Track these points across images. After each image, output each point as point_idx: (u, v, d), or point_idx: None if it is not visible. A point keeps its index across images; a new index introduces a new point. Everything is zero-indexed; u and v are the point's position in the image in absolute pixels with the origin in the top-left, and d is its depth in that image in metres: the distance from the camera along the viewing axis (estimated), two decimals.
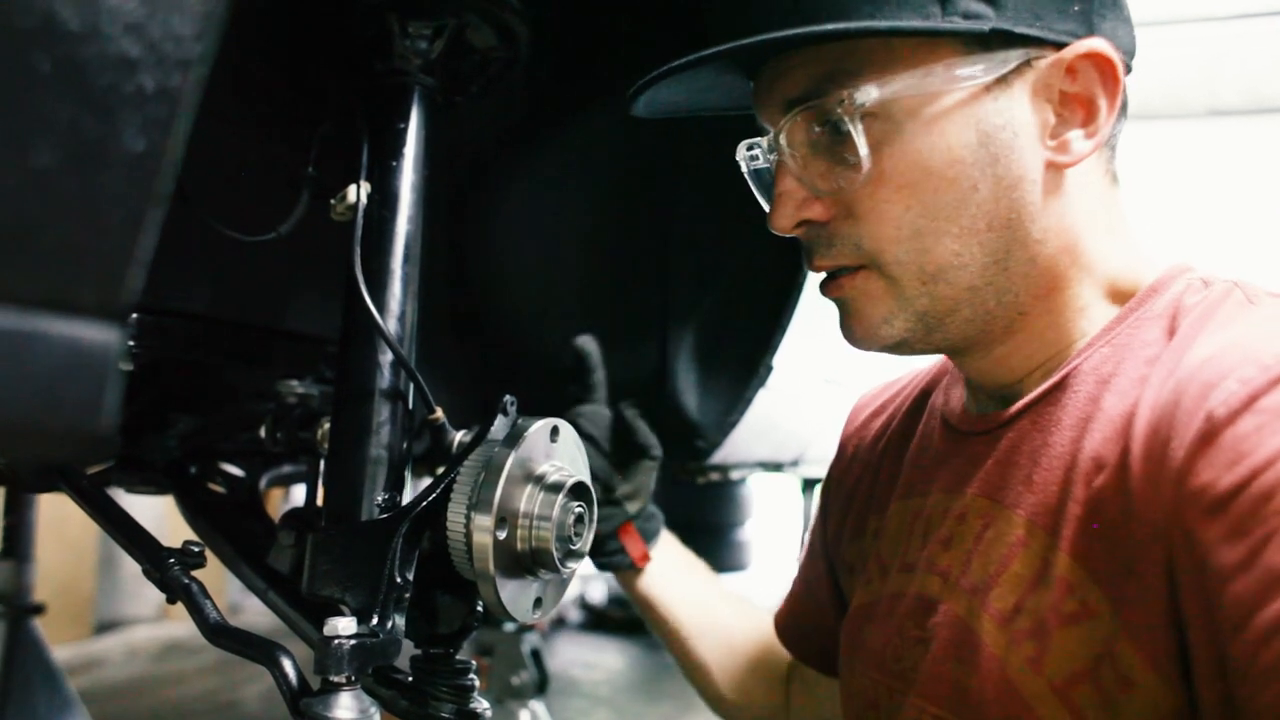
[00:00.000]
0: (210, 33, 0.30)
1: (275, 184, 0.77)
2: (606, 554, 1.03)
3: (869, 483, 0.89)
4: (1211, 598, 0.51)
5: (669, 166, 1.16)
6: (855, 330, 0.71)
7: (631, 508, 1.02)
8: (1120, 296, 0.69)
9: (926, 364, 0.92)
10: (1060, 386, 0.67)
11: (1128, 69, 0.67)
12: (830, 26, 0.60)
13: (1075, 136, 0.64)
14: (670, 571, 1.06)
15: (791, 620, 1.02)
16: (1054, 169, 0.65)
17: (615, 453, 1.03)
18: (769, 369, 1.22)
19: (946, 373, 0.86)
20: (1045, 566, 0.61)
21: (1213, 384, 0.54)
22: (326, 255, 0.75)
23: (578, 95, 1.09)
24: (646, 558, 1.03)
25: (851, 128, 0.63)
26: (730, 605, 1.08)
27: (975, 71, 0.62)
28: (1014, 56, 0.62)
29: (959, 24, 0.60)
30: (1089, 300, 0.68)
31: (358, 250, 0.68)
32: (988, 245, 0.65)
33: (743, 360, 1.22)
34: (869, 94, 0.62)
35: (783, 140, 0.67)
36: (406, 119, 0.72)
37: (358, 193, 0.69)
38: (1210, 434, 0.52)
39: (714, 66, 0.68)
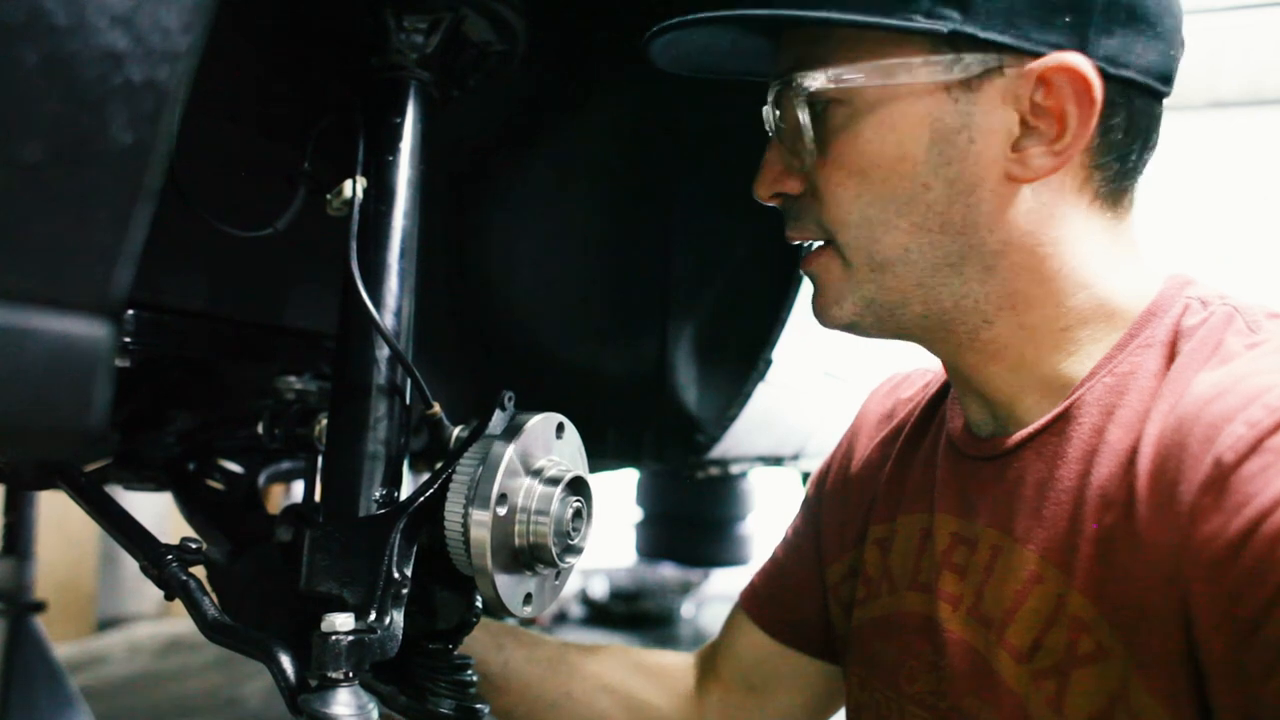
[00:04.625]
0: (198, 25, 0.30)
1: (271, 179, 0.77)
2: None
3: (873, 486, 0.88)
4: (1238, 644, 0.50)
5: (670, 161, 1.16)
6: (814, 306, 0.73)
7: None
8: (1121, 319, 0.67)
9: (939, 363, 0.91)
10: (1065, 417, 0.66)
11: (1149, 89, 0.63)
12: (771, 13, 0.64)
13: (1037, 152, 0.61)
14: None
15: (769, 595, 0.97)
16: (1013, 181, 0.63)
17: None
18: (768, 363, 1.22)
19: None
20: (1060, 604, 0.61)
21: (1219, 426, 0.53)
22: (323, 251, 0.75)
23: (578, 90, 1.08)
24: None
25: (799, 112, 0.65)
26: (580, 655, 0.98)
27: (934, 71, 0.61)
28: (980, 62, 0.60)
29: (917, 22, 0.59)
30: (1071, 323, 0.66)
31: (354, 245, 0.67)
32: (939, 246, 0.64)
33: (742, 354, 1.22)
34: (815, 80, 0.64)
35: (771, 112, 0.69)
36: (403, 114, 0.71)
37: (354, 188, 0.69)
38: (1218, 479, 0.52)
39: (737, 28, 0.70)
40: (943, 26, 0.59)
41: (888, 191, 0.64)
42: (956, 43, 0.60)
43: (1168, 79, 0.64)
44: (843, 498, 0.92)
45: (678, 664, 1.03)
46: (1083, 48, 0.60)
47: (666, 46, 0.70)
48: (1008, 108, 0.61)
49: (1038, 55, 0.60)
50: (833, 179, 0.65)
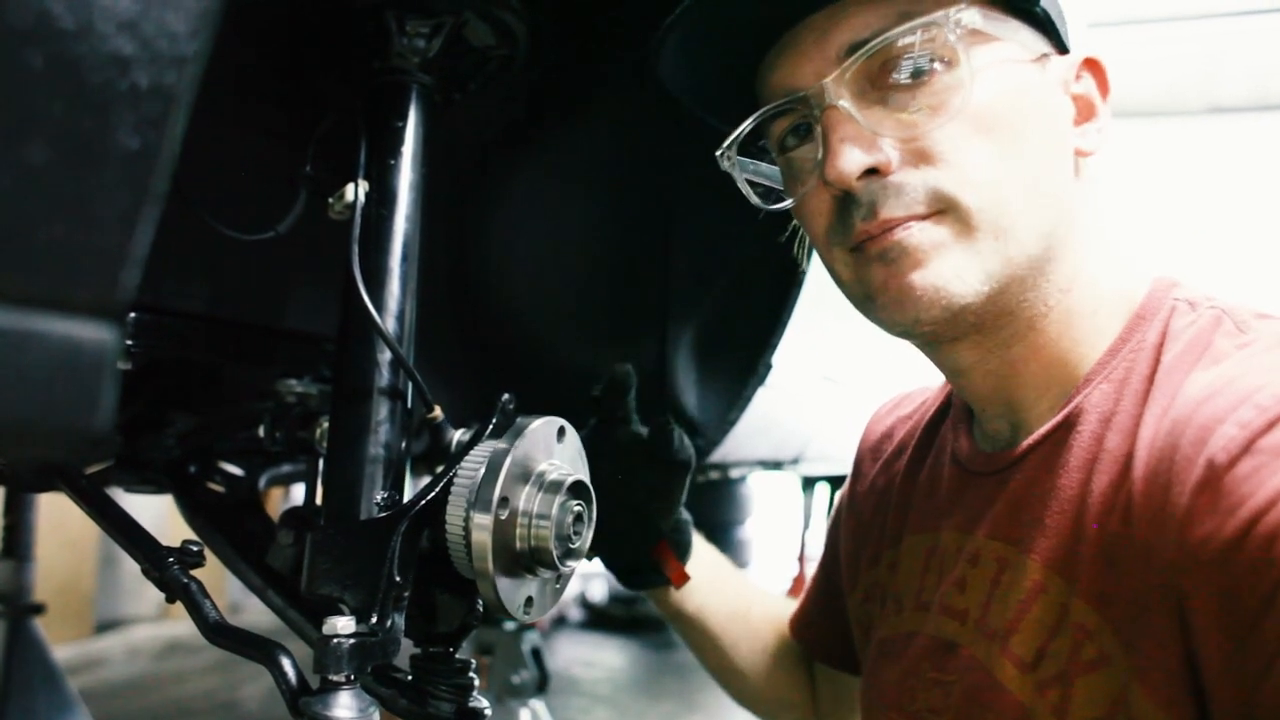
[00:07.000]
0: (205, 30, 0.30)
1: (273, 183, 0.77)
2: (640, 576, 0.99)
3: (882, 511, 0.88)
4: (1235, 644, 0.50)
5: (670, 165, 1.16)
6: (916, 286, 0.63)
7: (664, 525, 0.97)
8: (1115, 314, 0.68)
9: (936, 381, 0.91)
10: (1065, 426, 0.66)
11: None
12: None
13: (1090, 129, 0.67)
14: (703, 584, 1.01)
15: (811, 623, 1.03)
16: (1080, 156, 0.67)
17: (646, 469, 0.96)
18: (768, 367, 1.22)
19: (954, 403, 0.84)
20: (1064, 612, 0.61)
21: (1210, 428, 0.53)
22: (325, 254, 0.75)
23: (580, 93, 1.08)
24: (684, 577, 0.97)
25: (958, 48, 0.60)
26: (760, 606, 1.07)
27: (1028, 40, 0.65)
28: (1046, 45, 0.66)
29: None
30: (1094, 309, 0.67)
31: (356, 249, 0.67)
32: (1044, 211, 0.64)
33: (742, 358, 1.22)
34: (971, 18, 0.60)
35: (840, 88, 0.63)
36: (404, 117, 0.72)
37: (356, 191, 0.69)
38: (1211, 480, 0.52)
39: (734, 47, 0.67)
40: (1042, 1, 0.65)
41: (1011, 150, 0.62)
42: (1033, 21, 0.65)
43: None
44: (854, 525, 0.93)
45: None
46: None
47: (678, 58, 0.69)
48: (1061, 90, 0.67)
49: (1065, 50, 0.67)
50: (959, 136, 0.61)
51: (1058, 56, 0.66)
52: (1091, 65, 0.68)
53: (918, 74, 0.61)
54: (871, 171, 0.63)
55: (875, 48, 0.61)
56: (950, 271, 0.62)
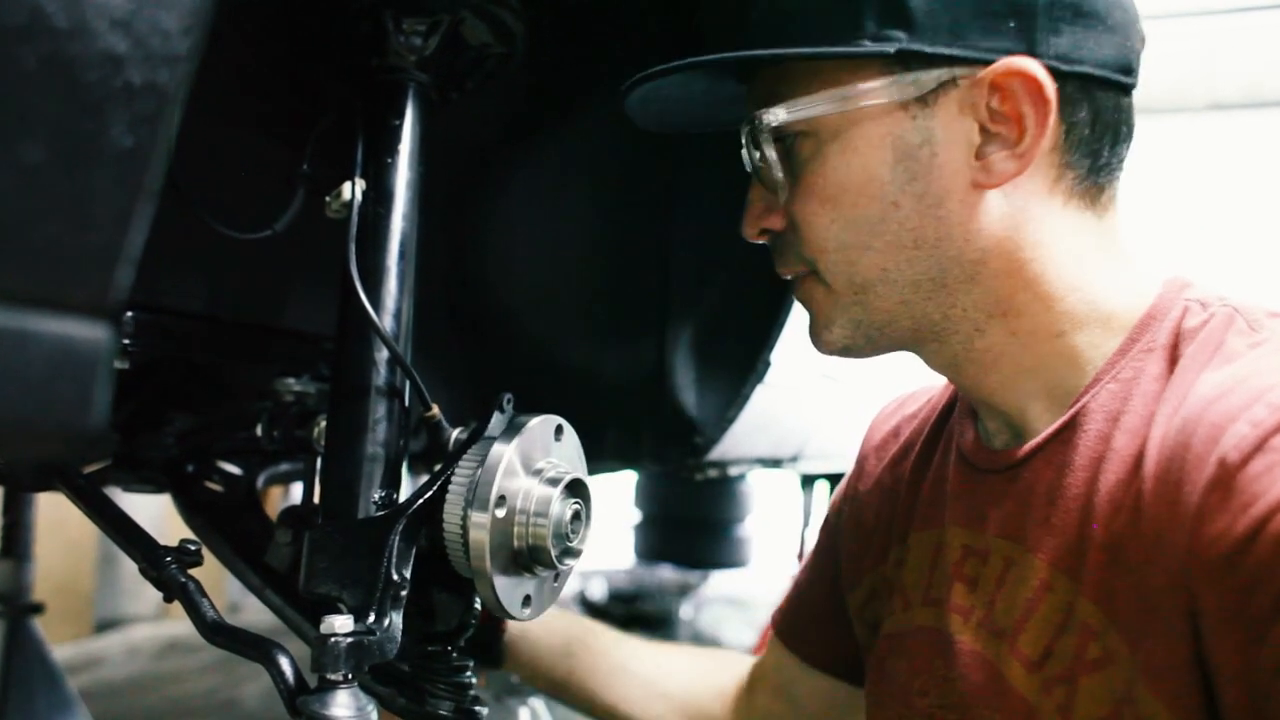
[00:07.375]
0: (198, 28, 0.30)
1: (271, 181, 0.77)
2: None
3: (889, 508, 0.88)
4: (1247, 643, 0.50)
5: (669, 163, 1.16)
6: (809, 333, 0.75)
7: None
8: (1119, 323, 0.66)
9: (940, 380, 0.91)
10: (1071, 425, 0.66)
11: (1110, 83, 0.64)
12: (716, 57, 0.66)
13: (1000, 157, 0.62)
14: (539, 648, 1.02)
15: (794, 618, 1.01)
16: (981, 188, 0.63)
17: None
18: (767, 365, 1.22)
19: (959, 398, 0.84)
20: (1070, 611, 0.61)
21: (1222, 426, 0.53)
22: (322, 253, 0.75)
23: (578, 91, 1.08)
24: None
25: (764, 148, 0.67)
26: (658, 661, 1.05)
27: (890, 91, 0.62)
28: (933, 76, 0.62)
29: (864, 47, 0.61)
30: (1065, 328, 0.66)
31: (353, 247, 0.67)
32: (916, 262, 0.65)
33: (741, 356, 1.22)
34: (776, 115, 0.65)
35: (750, 153, 0.70)
36: (401, 116, 0.72)
37: (353, 190, 0.69)
38: (1223, 479, 0.52)
39: (709, 75, 0.71)
40: (889, 47, 0.61)
41: (859, 215, 0.65)
42: (907, 61, 0.62)
43: (1128, 70, 0.65)
44: (857, 523, 0.92)
45: (734, 667, 1.06)
46: (1032, 50, 0.61)
47: (644, 104, 0.73)
48: (966, 117, 0.63)
49: (987, 63, 0.61)
50: (806, 209, 0.67)
51: (963, 79, 0.62)
52: (1017, 76, 0.60)
53: (767, 159, 0.68)
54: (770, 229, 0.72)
55: (744, 134, 0.69)
56: (822, 324, 0.72)
